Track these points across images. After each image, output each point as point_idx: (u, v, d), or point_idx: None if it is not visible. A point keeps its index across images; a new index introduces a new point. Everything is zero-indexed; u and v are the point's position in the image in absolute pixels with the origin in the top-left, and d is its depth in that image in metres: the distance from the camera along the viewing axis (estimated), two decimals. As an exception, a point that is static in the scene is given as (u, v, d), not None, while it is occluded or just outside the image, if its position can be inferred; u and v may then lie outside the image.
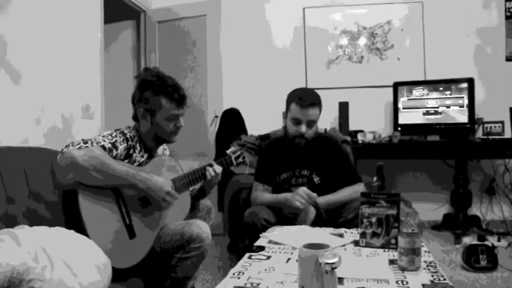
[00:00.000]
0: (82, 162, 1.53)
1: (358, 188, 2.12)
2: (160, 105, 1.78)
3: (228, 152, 2.04)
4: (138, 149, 1.80)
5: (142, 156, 1.81)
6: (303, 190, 2.04)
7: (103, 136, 1.68)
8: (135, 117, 1.86)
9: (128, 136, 1.75)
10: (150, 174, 1.70)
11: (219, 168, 1.95)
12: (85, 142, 1.59)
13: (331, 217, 2.10)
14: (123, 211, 1.65)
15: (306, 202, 2.02)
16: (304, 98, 2.11)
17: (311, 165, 2.22)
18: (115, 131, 1.75)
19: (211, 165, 1.94)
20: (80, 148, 1.56)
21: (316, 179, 2.21)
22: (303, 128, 2.12)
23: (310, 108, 2.11)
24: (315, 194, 2.04)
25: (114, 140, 1.68)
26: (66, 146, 1.56)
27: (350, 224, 1.94)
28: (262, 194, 2.23)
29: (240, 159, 2.04)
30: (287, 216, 2.10)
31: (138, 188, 1.65)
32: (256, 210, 2.06)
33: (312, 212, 2.07)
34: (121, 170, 1.61)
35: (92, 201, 1.58)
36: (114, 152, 1.66)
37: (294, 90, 2.23)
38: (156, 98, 1.78)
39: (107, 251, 1.46)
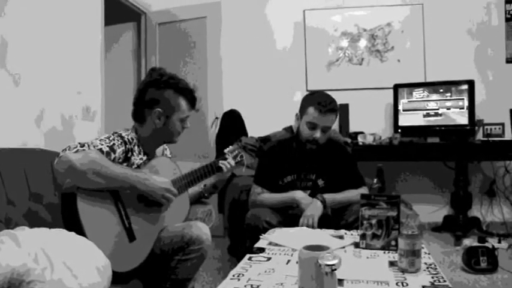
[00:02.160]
0: (79, 166, 1.51)
1: (363, 191, 2.12)
2: (179, 106, 1.80)
3: (225, 151, 2.02)
4: (137, 151, 1.78)
5: (141, 159, 1.80)
6: (312, 217, 2.02)
7: (100, 140, 1.66)
8: (137, 117, 1.83)
9: (125, 139, 1.73)
10: (149, 174, 1.69)
11: (233, 162, 1.95)
12: (82, 145, 1.57)
13: (333, 219, 2.10)
14: (122, 214, 1.64)
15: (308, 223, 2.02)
16: (324, 103, 2.07)
17: (317, 168, 2.20)
18: (112, 134, 1.73)
19: (225, 159, 1.95)
20: (76, 152, 1.54)
21: (320, 183, 2.20)
22: (318, 134, 2.09)
23: (329, 114, 2.09)
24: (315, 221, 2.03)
25: (112, 144, 1.66)
26: (63, 150, 1.55)
27: (350, 227, 1.94)
28: (263, 196, 2.20)
29: (238, 158, 2.02)
30: (290, 219, 2.09)
31: (137, 189, 1.64)
32: (258, 212, 2.06)
33: (318, 208, 2.06)
34: (119, 172, 1.59)
35: (91, 205, 1.56)
36: (112, 156, 1.64)
37: (312, 93, 2.20)
38: (176, 98, 1.79)
39: (107, 254, 1.45)
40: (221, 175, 1.96)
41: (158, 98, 1.78)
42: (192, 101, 1.85)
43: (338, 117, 3.66)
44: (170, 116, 1.79)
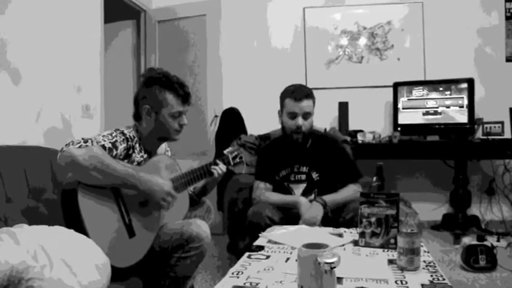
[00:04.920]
0: (82, 161, 1.52)
1: (357, 188, 2.17)
2: (166, 101, 1.79)
3: (225, 152, 2.04)
4: (138, 149, 1.79)
5: (142, 157, 1.81)
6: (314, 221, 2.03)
7: (103, 136, 1.67)
8: (136, 116, 1.85)
9: (127, 136, 1.75)
10: (151, 175, 1.69)
11: (224, 167, 1.96)
12: (85, 141, 1.58)
13: (331, 216, 2.11)
14: (122, 210, 1.65)
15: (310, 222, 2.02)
16: (297, 91, 2.19)
17: (310, 161, 2.25)
18: (115, 130, 1.74)
19: (216, 164, 1.95)
20: (80, 147, 1.55)
21: (315, 176, 2.23)
22: (300, 121, 2.17)
23: (305, 100, 2.17)
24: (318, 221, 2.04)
25: (114, 140, 1.68)
26: (66, 145, 1.56)
27: (348, 225, 1.96)
28: (269, 194, 2.24)
29: (238, 159, 2.04)
30: (291, 215, 2.10)
31: (138, 188, 1.64)
32: (260, 209, 2.08)
33: (319, 211, 2.06)
34: (121, 170, 1.60)
35: (92, 200, 1.57)
36: (114, 152, 1.66)
37: (286, 87, 2.28)
38: (162, 93, 1.78)
39: (107, 250, 1.46)
40: (211, 179, 1.97)
41: (145, 95, 1.81)
42: (183, 95, 1.82)
43: (338, 115, 3.74)
44: (159, 111, 1.79)
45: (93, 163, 1.54)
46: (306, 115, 2.18)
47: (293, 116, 2.18)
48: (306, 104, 2.17)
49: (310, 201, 2.15)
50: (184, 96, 1.83)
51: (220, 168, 1.95)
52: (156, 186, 1.67)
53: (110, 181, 1.59)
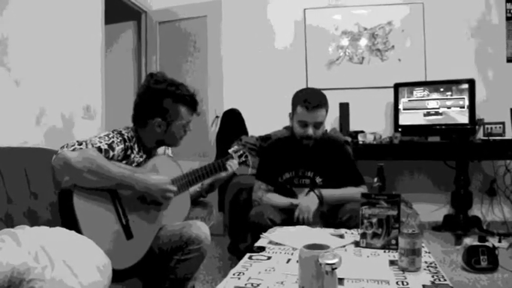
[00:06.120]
0: (75, 164, 1.51)
1: (362, 190, 2.13)
2: (179, 114, 1.78)
3: (230, 151, 2.02)
4: (137, 149, 1.78)
5: (141, 157, 1.80)
6: (308, 212, 2.04)
7: (99, 137, 1.66)
8: (138, 122, 1.82)
9: (125, 137, 1.73)
10: (146, 174, 1.68)
11: (237, 164, 1.97)
12: (80, 143, 1.57)
13: (328, 217, 2.10)
14: (119, 211, 1.64)
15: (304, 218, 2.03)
16: (310, 100, 2.09)
17: (315, 166, 2.21)
18: (112, 131, 1.73)
19: (227, 159, 1.95)
20: (74, 150, 1.55)
21: (318, 180, 2.21)
22: (310, 131, 2.11)
23: (317, 110, 2.09)
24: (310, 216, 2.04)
25: (111, 141, 1.66)
26: (61, 148, 1.55)
27: (344, 226, 1.95)
28: (270, 195, 2.22)
29: (243, 158, 2.02)
30: (292, 217, 2.10)
31: (134, 189, 1.64)
32: (262, 210, 2.07)
33: (314, 202, 2.07)
34: (116, 172, 1.59)
35: (87, 202, 1.57)
36: (111, 153, 1.65)
37: (299, 91, 2.21)
38: (175, 106, 1.77)
39: (104, 251, 1.45)
40: (220, 175, 1.96)
41: (157, 108, 1.77)
42: (192, 105, 1.83)
43: (338, 116, 3.74)
44: (170, 124, 1.79)
45: (86, 165, 1.53)
46: (317, 124, 2.12)
47: (303, 124, 2.12)
48: (318, 114, 2.10)
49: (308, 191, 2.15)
50: (193, 106, 1.84)
51: (235, 164, 1.96)
52: (153, 186, 1.66)
53: (104, 183, 1.58)
